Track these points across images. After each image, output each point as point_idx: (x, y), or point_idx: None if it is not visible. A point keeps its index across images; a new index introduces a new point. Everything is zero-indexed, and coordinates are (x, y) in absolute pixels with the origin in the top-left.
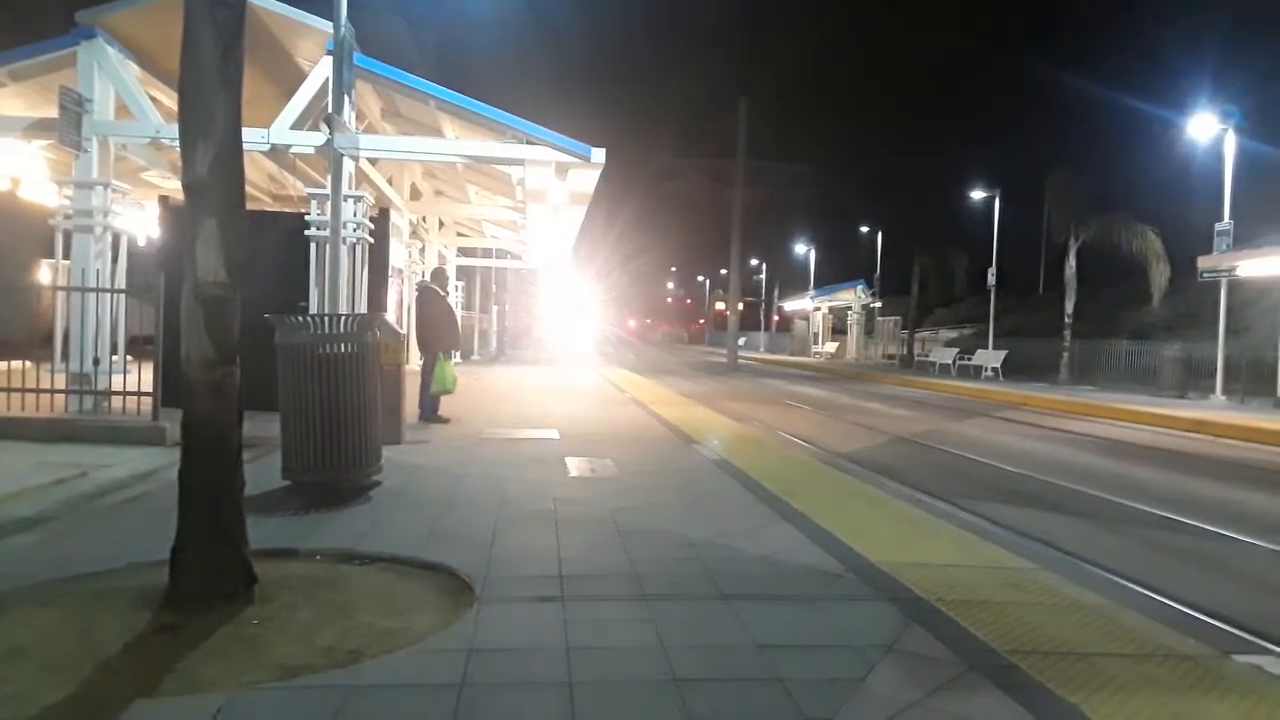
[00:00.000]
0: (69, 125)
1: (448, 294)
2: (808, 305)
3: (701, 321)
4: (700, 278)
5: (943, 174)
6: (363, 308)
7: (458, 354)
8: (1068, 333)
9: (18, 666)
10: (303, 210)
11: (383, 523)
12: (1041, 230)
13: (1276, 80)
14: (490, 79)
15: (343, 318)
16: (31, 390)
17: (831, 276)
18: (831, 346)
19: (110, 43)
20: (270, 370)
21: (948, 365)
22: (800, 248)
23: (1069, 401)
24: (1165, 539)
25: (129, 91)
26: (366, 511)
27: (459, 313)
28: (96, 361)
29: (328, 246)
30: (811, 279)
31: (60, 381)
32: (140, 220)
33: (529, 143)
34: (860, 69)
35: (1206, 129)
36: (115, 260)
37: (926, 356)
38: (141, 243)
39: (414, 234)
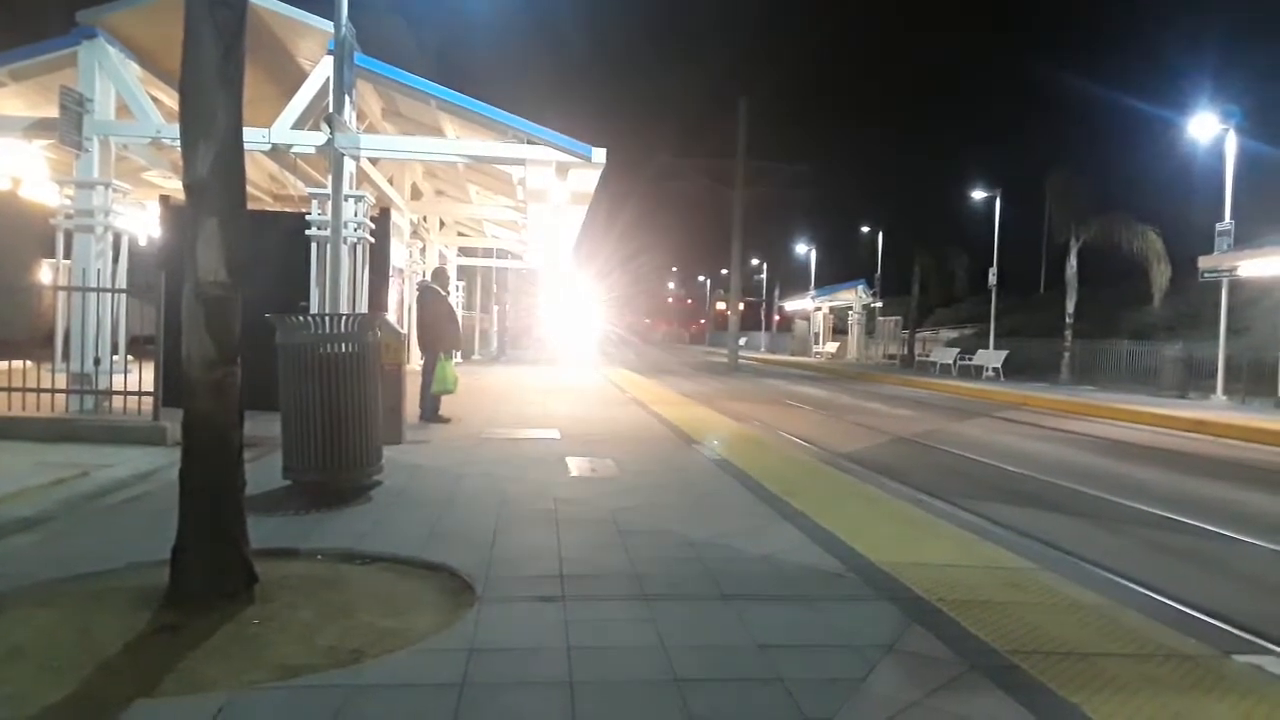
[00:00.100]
0: (70, 125)
1: (448, 294)
2: (808, 305)
3: (702, 321)
4: (701, 277)
5: (943, 174)
6: (363, 307)
7: (458, 354)
8: (1068, 333)
9: (18, 666)
10: (304, 210)
11: (383, 522)
12: (1042, 230)
13: (1277, 80)
14: (491, 79)
15: (343, 317)
16: (32, 390)
17: (832, 276)
18: (832, 346)
19: (111, 42)
20: (271, 370)
21: (948, 365)
22: (801, 247)
23: (1070, 401)
24: (1166, 539)
25: (130, 91)
26: (367, 511)
27: (460, 313)
28: (97, 361)
29: (328, 246)
30: (812, 279)
31: (61, 381)
32: (141, 220)
33: (530, 142)
34: (860, 69)
35: (1207, 129)
36: (116, 260)
37: (927, 356)
38: (142, 242)
39: (415, 234)
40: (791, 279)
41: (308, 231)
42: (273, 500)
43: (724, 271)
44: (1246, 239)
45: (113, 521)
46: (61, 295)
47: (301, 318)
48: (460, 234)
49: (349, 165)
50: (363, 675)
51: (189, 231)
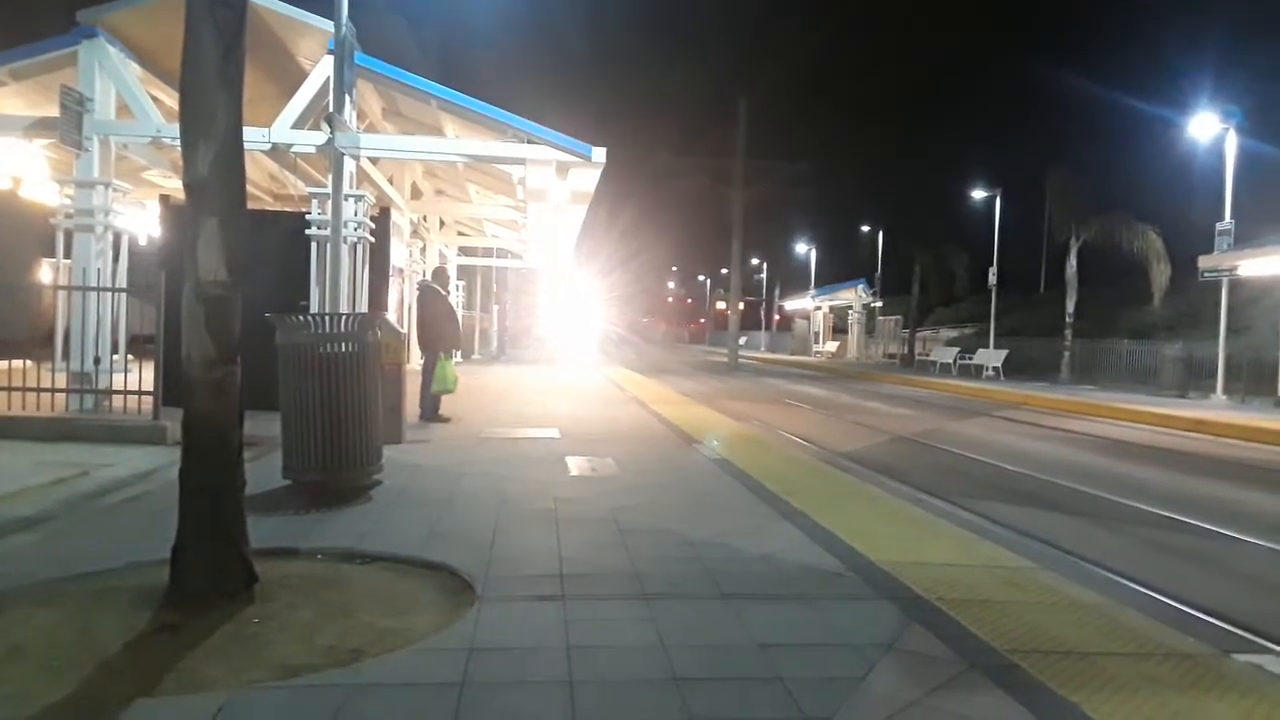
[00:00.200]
0: (70, 124)
1: (448, 293)
2: (808, 304)
3: (702, 321)
4: (701, 277)
5: (943, 173)
6: (363, 307)
7: (458, 353)
8: (1068, 332)
9: (18, 666)
10: (304, 209)
11: (383, 522)
12: (1042, 229)
13: (1277, 79)
14: (491, 78)
15: (343, 317)
16: (32, 389)
17: (832, 276)
18: (832, 346)
19: (111, 42)
20: (271, 370)
21: (948, 364)
22: (801, 247)
23: (1069, 401)
24: (1165, 538)
25: (130, 91)
26: (367, 511)
27: (460, 312)
28: (97, 360)
29: (328, 246)
30: (812, 278)
31: (61, 380)
32: (141, 219)
33: (530, 142)
34: (860, 69)
35: (1208, 128)
36: (116, 259)
37: (927, 356)
38: (142, 242)
39: (415, 233)
40: (791, 278)
41: (308, 231)
42: (272, 500)
43: (724, 271)
44: (1246, 238)
45: (112, 521)
46: (62, 294)
47: (301, 317)
48: (460, 233)
49: (349, 165)
50: (362, 675)
51: (189, 231)
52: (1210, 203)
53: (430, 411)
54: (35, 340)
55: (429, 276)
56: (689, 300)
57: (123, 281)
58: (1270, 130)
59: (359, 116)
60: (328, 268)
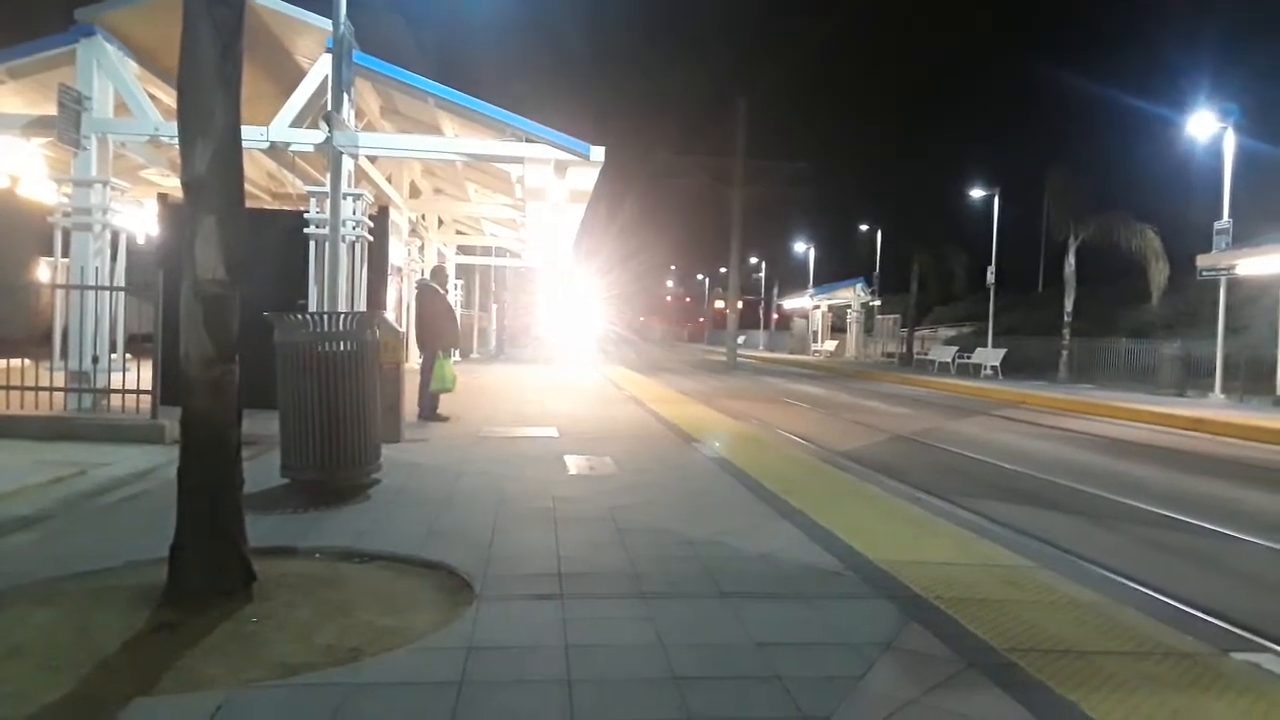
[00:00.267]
0: (68, 123)
1: (447, 292)
2: (807, 303)
3: (701, 320)
4: (700, 276)
5: (942, 172)
6: (362, 306)
7: (457, 352)
8: (1067, 331)
9: (16, 665)
10: (302, 208)
11: (382, 521)
12: (1041, 228)
13: (1276, 78)
14: (489, 77)
15: (342, 316)
16: (30, 388)
17: (831, 275)
18: (831, 345)
19: (109, 40)
20: (269, 368)
21: (947, 363)
22: (800, 246)
23: (1068, 400)
24: (1164, 537)
25: (128, 89)
26: (365, 510)
27: (458, 311)
28: (95, 359)
29: (327, 244)
30: (811, 277)
31: (59, 379)
32: (139, 218)
33: (528, 140)
34: (860, 68)
35: (1206, 127)
36: (114, 258)
37: (926, 355)
38: (140, 240)
39: (413, 232)
40: (790, 277)
41: (306, 230)
42: (271, 499)
43: (723, 270)
44: (1245, 237)
45: (111, 520)
46: (60, 293)
47: (300, 316)
48: (459, 232)
49: (347, 163)
50: (361, 674)
51: (187, 229)
52: (1209, 202)
53: (429, 410)
54: (33, 339)
55: (427, 275)
56: (688, 299)
57: (121, 280)
58: (1269, 129)
59: (357, 115)
60: (326, 266)
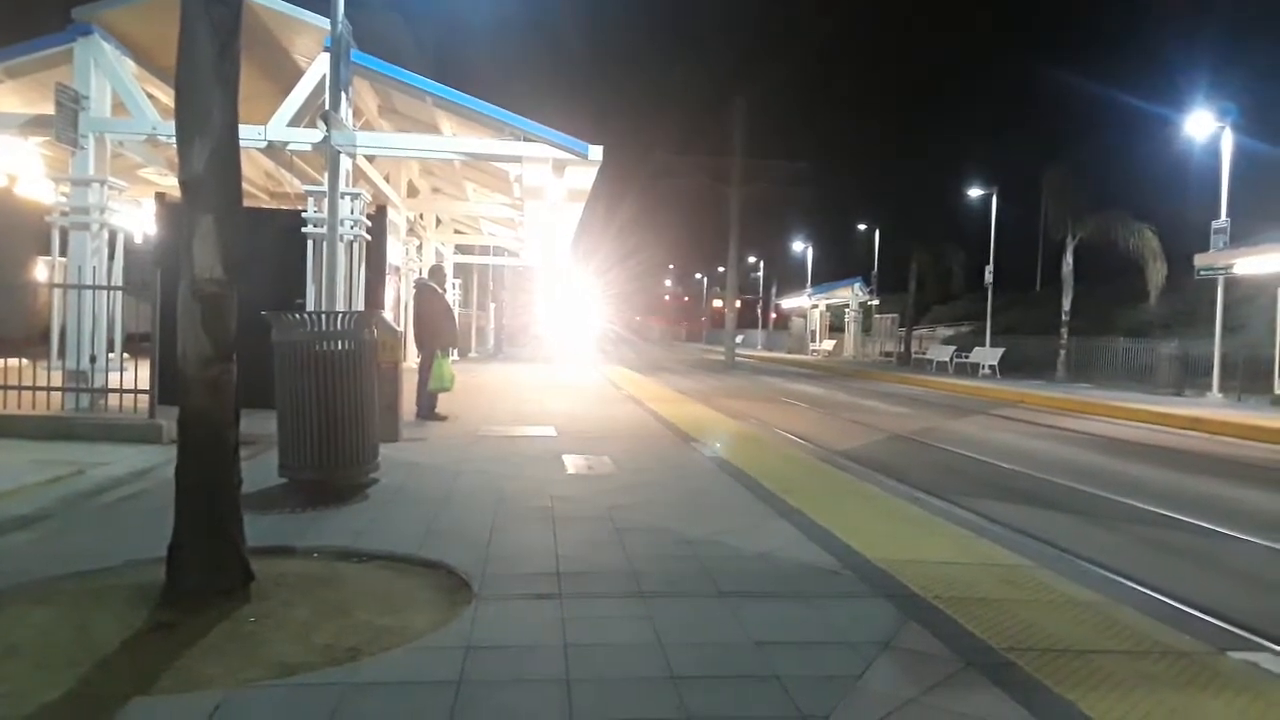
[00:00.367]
0: (65, 122)
1: (445, 291)
2: (805, 303)
3: (699, 319)
4: (698, 275)
5: (941, 172)
6: (360, 305)
7: (455, 351)
8: (1065, 330)
9: (15, 664)
10: (300, 207)
11: (380, 520)
12: (1039, 228)
13: (1274, 78)
14: (488, 76)
15: (340, 315)
16: (28, 388)
17: (829, 274)
18: (829, 344)
19: (107, 39)
20: (267, 368)
21: (945, 363)
22: (798, 245)
23: (1066, 399)
24: (1161, 536)
25: (125, 88)
26: (364, 509)
27: (456, 310)
28: (93, 359)
29: (325, 244)
30: (809, 276)
31: (57, 379)
32: (137, 217)
33: (526, 140)
34: (860, 68)
35: (1204, 127)
36: (112, 257)
37: (924, 354)
38: (138, 240)
39: (411, 231)
40: (789, 276)
41: (304, 229)
42: (269, 498)
43: (721, 269)
44: (1242, 237)
45: (109, 519)
46: (57, 293)
47: (297, 315)
48: (457, 231)
49: (345, 162)
50: (359, 673)
51: (185, 228)
52: (1206, 201)
53: (427, 410)
54: (31, 338)
55: (426, 274)
56: (686, 298)
57: (118, 279)
58: (1266, 128)
59: (355, 114)
60: (324, 265)
